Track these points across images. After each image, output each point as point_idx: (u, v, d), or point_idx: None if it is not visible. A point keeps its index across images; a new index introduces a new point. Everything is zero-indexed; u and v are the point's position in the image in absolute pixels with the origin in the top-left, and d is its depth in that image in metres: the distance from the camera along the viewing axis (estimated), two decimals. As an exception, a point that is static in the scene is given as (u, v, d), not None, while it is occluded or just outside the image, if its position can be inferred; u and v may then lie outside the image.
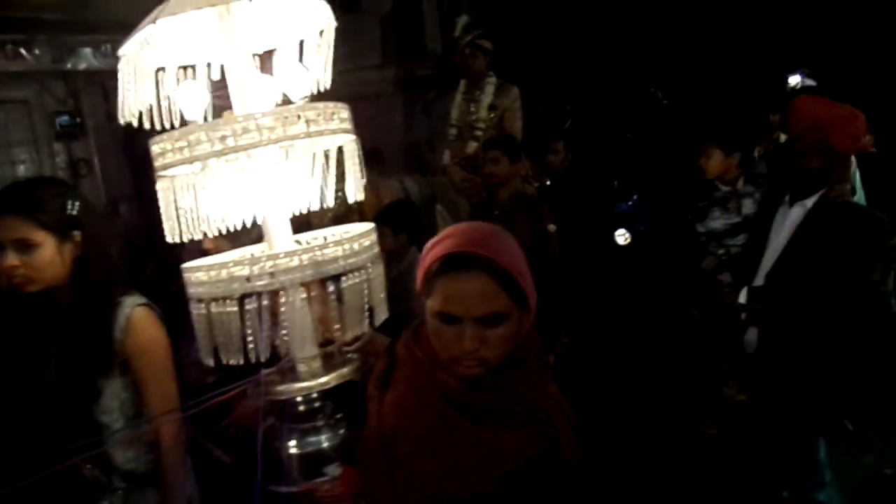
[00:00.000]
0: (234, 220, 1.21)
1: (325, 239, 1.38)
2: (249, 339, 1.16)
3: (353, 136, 1.32)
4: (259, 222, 1.26)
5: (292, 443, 1.24)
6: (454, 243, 1.06)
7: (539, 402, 1.07)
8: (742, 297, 2.44)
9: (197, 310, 1.20)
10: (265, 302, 1.15)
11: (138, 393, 1.58)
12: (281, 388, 1.25)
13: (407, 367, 1.17)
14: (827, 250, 2.25)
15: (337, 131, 1.27)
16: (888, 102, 4.52)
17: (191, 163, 1.19)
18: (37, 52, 4.18)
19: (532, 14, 6.53)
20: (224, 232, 1.21)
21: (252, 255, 1.27)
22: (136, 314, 1.57)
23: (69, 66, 4.37)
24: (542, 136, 4.58)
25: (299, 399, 1.26)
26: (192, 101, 1.34)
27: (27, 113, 4.53)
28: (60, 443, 1.45)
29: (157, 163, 1.23)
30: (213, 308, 1.17)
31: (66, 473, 1.34)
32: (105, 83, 4.48)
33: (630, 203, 4.85)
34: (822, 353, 2.32)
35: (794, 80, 5.58)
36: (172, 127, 1.29)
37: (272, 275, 1.14)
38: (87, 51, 4.30)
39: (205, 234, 1.20)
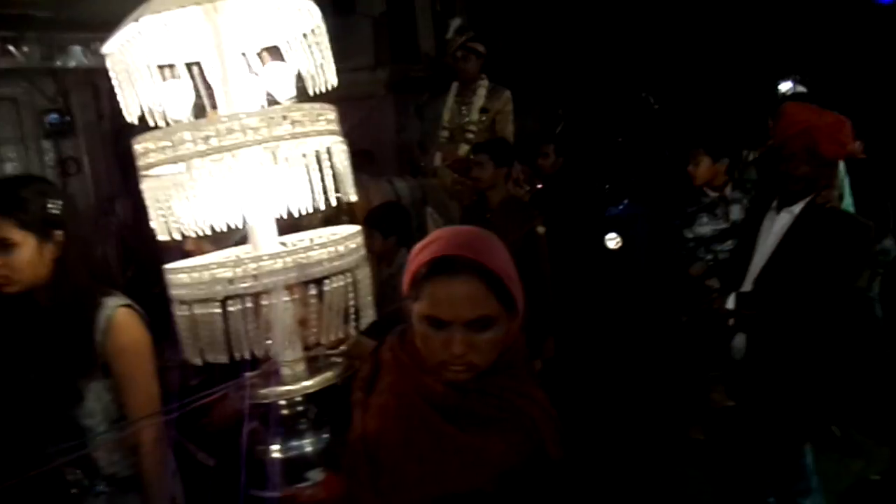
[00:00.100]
0: (219, 222, 1.20)
1: (312, 241, 1.37)
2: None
3: (340, 138, 1.31)
4: (244, 224, 1.25)
5: (275, 447, 1.22)
6: (442, 246, 1.05)
7: (525, 407, 1.06)
8: (730, 303, 2.45)
9: (180, 311, 1.19)
10: (248, 304, 1.14)
11: (120, 395, 1.56)
12: (264, 391, 1.23)
13: (392, 371, 1.16)
14: (814, 256, 2.26)
15: (323, 133, 1.25)
16: (878, 109, 4.56)
17: (174, 163, 1.18)
18: (26, 49, 4.14)
19: (525, 17, 6.54)
20: (209, 233, 1.20)
21: (236, 256, 1.25)
22: (118, 315, 1.55)
23: (59, 63, 4.33)
24: (533, 140, 4.59)
25: (282, 403, 1.24)
26: (177, 100, 1.32)
27: (16, 111, 4.50)
28: (43, 446, 1.43)
29: (141, 162, 1.21)
30: (196, 310, 1.16)
31: (48, 477, 1.32)
32: (95, 81, 4.45)
33: (621, 207, 4.86)
34: (810, 359, 2.33)
35: (786, 86, 5.61)
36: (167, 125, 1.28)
37: (255, 277, 1.12)
38: (78, 49, 4.26)
39: (185, 236, 1.18)
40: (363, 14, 5.92)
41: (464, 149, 4.09)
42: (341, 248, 1.20)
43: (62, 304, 1.51)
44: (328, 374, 1.26)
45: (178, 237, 1.18)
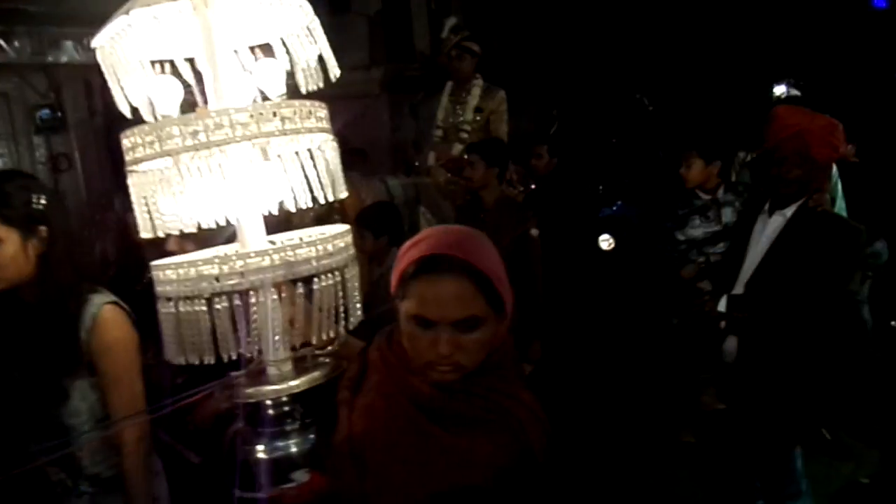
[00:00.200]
0: (206, 218, 1.19)
1: (301, 240, 1.36)
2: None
3: (330, 136, 1.29)
4: (232, 221, 1.24)
5: (260, 447, 1.21)
6: (431, 245, 1.04)
7: (512, 409, 1.05)
8: (721, 306, 2.45)
9: (164, 309, 1.17)
10: (236, 302, 1.12)
11: (104, 394, 1.54)
12: (250, 390, 1.22)
13: (379, 372, 1.15)
14: (805, 259, 2.27)
15: (314, 130, 1.24)
16: (872, 113, 4.57)
17: (162, 157, 1.17)
18: (17, 44, 4.12)
19: (521, 18, 6.54)
20: (195, 231, 1.19)
21: (223, 253, 1.24)
22: (104, 313, 1.53)
23: (50, 58, 4.30)
24: (528, 140, 4.59)
25: (269, 403, 1.23)
26: (166, 95, 1.31)
27: (6, 106, 4.46)
28: (26, 445, 1.41)
29: (129, 157, 1.20)
30: (182, 307, 1.15)
31: (31, 476, 1.30)
32: (87, 77, 4.42)
33: (614, 208, 4.86)
34: (801, 362, 2.33)
35: (779, 89, 5.63)
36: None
37: (242, 274, 1.11)
38: (69, 44, 4.23)
39: (169, 235, 1.17)
40: (358, 13, 5.91)
41: (457, 148, 4.08)
42: (329, 247, 1.19)
43: (47, 301, 1.49)
44: (315, 375, 1.25)
45: (161, 234, 1.17)
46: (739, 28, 6.53)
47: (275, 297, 1.15)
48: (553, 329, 3.38)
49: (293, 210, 1.28)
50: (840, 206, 3.62)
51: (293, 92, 1.34)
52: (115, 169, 4.56)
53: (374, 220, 3.05)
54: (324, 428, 1.21)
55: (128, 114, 1.24)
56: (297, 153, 1.26)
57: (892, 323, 4.07)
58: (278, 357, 1.26)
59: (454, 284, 1.02)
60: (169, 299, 1.17)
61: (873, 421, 3.40)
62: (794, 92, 5.36)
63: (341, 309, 1.21)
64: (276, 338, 1.20)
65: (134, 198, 1.22)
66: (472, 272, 1.02)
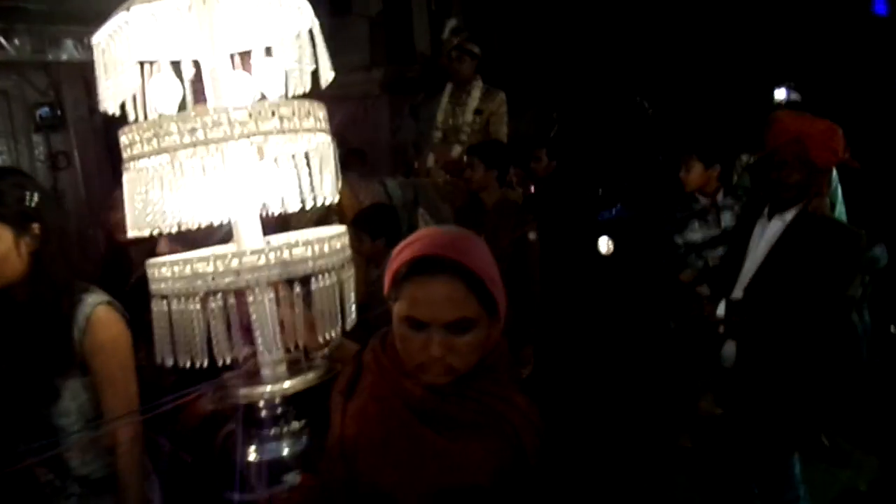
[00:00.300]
0: (203, 217, 1.18)
1: (298, 240, 1.35)
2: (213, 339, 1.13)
3: (328, 137, 1.29)
4: (227, 220, 1.23)
5: (252, 449, 1.20)
6: (423, 246, 1.04)
7: (505, 413, 1.04)
8: (720, 310, 2.44)
9: (157, 307, 1.16)
10: (230, 301, 1.12)
11: (98, 395, 1.53)
12: (244, 391, 1.21)
13: (373, 374, 1.14)
14: (805, 264, 2.26)
15: (312, 130, 1.24)
16: (872, 117, 4.57)
17: (159, 154, 1.16)
18: (17, 42, 4.11)
19: (521, 20, 6.54)
20: (189, 229, 1.18)
21: (219, 251, 1.23)
22: (97, 312, 1.51)
23: (51, 57, 4.30)
24: (527, 143, 4.58)
25: (261, 404, 1.22)
26: (165, 94, 1.30)
27: (6, 103, 4.47)
28: (15, 445, 1.39)
29: (126, 154, 1.20)
30: (175, 306, 1.14)
31: (19, 477, 1.29)
32: (87, 76, 4.41)
33: (613, 211, 4.85)
34: (799, 368, 2.32)
35: (780, 94, 5.63)
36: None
37: (237, 273, 1.10)
38: (70, 42, 4.23)
39: (160, 236, 1.16)
40: (359, 14, 5.92)
41: (457, 150, 4.08)
42: (326, 248, 1.19)
43: (39, 299, 1.48)
44: (309, 376, 1.24)
45: (154, 233, 1.16)
46: (740, 32, 6.53)
47: (270, 296, 1.14)
48: (550, 332, 3.37)
49: (290, 211, 1.27)
50: (840, 211, 3.61)
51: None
52: (114, 167, 4.55)
53: (371, 222, 3.04)
54: (317, 430, 1.20)
55: (115, 112, 1.23)
56: (289, 154, 1.25)
57: (893, 328, 4.06)
58: (272, 358, 1.26)
59: (446, 286, 1.01)
60: (163, 297, 1.16)
61: (872, 427, 3.39)
62: (795, 96, 5.35)
63: (337, 310, 1.21)
64: (270, 338, 1.20)
65: (127, 195, 1.22)
66: (465, 273, 1.01)
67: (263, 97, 1.32)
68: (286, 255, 1.12)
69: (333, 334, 1.23)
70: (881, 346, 3.98)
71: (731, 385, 2.50)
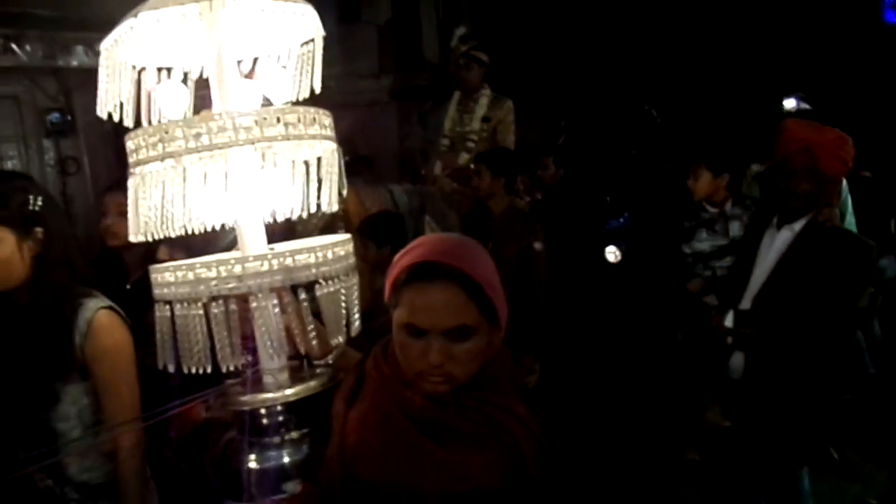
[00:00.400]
0: (207, 222, 1.18)
1: (302, 248, 1.34)
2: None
3: (334, 144, 1.29)
4: (232, 225, 1.23)
5: (252, 456, 1.19)
6: (423, 252, 1.03)
7: (506, 423, 1.03)
8: (728, 321, 2.42)
9: (160, 312, 1.16)
10: (232, 307, 1.11)
11: (98, 399, 1.53)
12: (245, 398, 1.20)
13: (374, 383, 1.13)
14: (815, 275, 2.23)
15: (317, 137, 1.23)
16: (883, 127, 4.55)
17: (164, 159, 1.16)
18: (28, 47, 4.14)
19: (530, 28, 6.55)
20: (198, 233, 1.18)
21: (222, 257, 1.23)
22: (99, 317, 1.51)
23: (61, 62, 4.32)
24: (535, 151, 4.58)
25: (262, 411, 1.21)
26: (172, 100, 1.31)
27: (17, 109, 4.49)
28: (13, 450, 1.39)
29: (132, 159, 1.20)
30: (178, 311, 1.13)
31: (17, 482, 1.28)
32: (98, 82, 4.44)
33: (621, 220, 4.83)
34: (809, 380, 2.30)
35: (790, 103, 5.61)
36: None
37: (240, 278, 1.10)
38: (80, 48, 4.25)
39: (160, 241, 1.16)
40: (368, 22, 5.93)
41: (464, 158, 4.08)
42: (329, 254, 1.18)
43: (41, 303, 1.48)
44: (311, 384, 1.24)
45: (161, 237, 1.16)
46: (750, 41, 6.52)
47: (273, 302, 1.13)
48: (557, 341, 3.35)
49: (295, 217, 1.27)
50: (850, 222, 3.58)
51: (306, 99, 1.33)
52: (122, 173, 4.56)
53: (377, 230, 3.03)
54: (318, 439, 1.19)
55: (106, 115, 1.23)
56: (304, 162, 1.25)
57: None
58: (275, 365, 1.25)
59: (445, 292, 1.00)
60: (166, 303, 1.16)
61: (883, 440, 3.35)
62: (805, 105, 5.34)
63: (341, 318, 1.20)
64: (273, 345, 1.19)
65: (132, 200, 1.22)
66: (464, 280, 1.00)
67: (269, 103, 1.32)
68: (289, 261, 1.12)
69: (339, 341, 1.23)
70: (891, 358, 3.94)
71: (739, 397, 2.47)
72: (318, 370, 1.31)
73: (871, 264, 2.43)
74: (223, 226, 1.20)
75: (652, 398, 3.77)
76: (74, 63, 4.33)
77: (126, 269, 2.11)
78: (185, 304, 1.13)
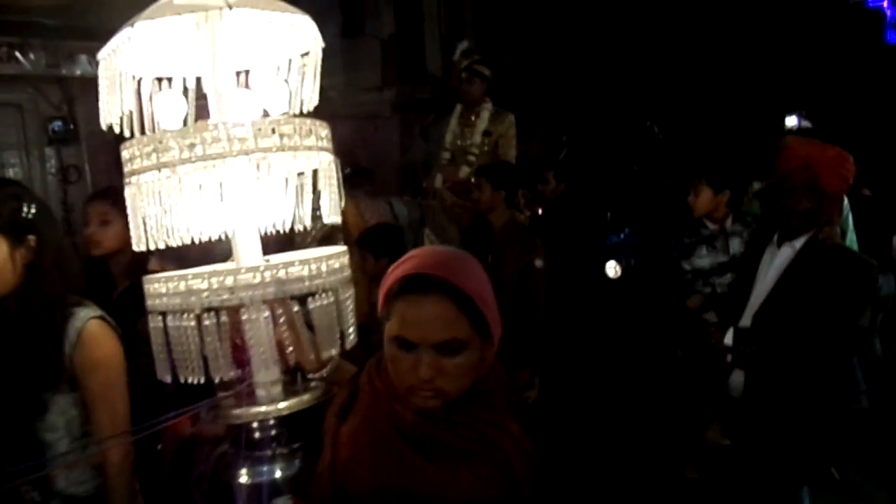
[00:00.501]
0: (202, 233, 1.17)
1: (296, 260, 1.33)
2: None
3: (331, 156, 1.28)
4: (226, 237, 1.22)
5: (243, 471, 1.17)
6: (415, 265, 1.02)
7: (498, 440, 1.01)
8: (728, 338, 2.40)
9: (153, 323, 1.15)
10: (223, 318, 1.10)
11: (87, 411, 1.51)
12: (237, 412, 1.19)
13: (367, 397, 1.11)
14: (815, 294, 2.22)
15: (313, 148, 1.23)
16: (884, 146, 4.55)
17: (159, 169, 1.16)
18: (32, 56, 4.16)
19: (533, 43, 6.59)
20: (194, 243, 1.17)
21: (214, 268, 1.22)
22: (89, 327, 1.49)
23: (65, 71, 4.34)
24: (536, 165, 4.58)
25: (255, 425, 1.20)
26: (170, 110, 1.30)
27: (20, 117, 4.51)
28: (0, 459, 1.37)
29: (127, 168, 1.20)
30: (171, 322, 1.12)
31: (2, 495, 1.26)
32: (101, 91, 4.46)
33: (622, 236, 4.82)
34: (809, 399, 2.28)
35: (791, 121, 5.62)
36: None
37: (232, 290, 1.09)
38: (84, 57, 4.28)
39: (150, 254, 1.15)
40: (371, 35, 5.96)
41: (465, 171, 4.08)
42: (323, 267, 1.17)
43: (31, 312, 1.46)
44: (304, 398, 1.22)
45: (157, 247, 1.15)
46: (752, 59, 6.55)
47: (265, 315, 1.12)
48: (556, 356, 3.33)
49: (288, 229, 1.26)
50: (851, 240, 3.57)
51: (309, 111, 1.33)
52: (123, 182, 4.57)
53: (375, 242, 3.02)
54: (310, 453, 1.17)
55: (106, 126, 1.22)
56: (290, 173, 1.24)
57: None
58: (268, 378, 1.23)
59: (436, 305, 0.99)
60: (159, 314, 1.15)
61: (883, 460, 3.31)
62: (806, 123, 5.35)
63: (335, 331, 1.19)
64: (266, 358, 1.18)
65: (129, 210, 1.21)
66: (456, 294, 0.99)
67: (267, 115, 1.32)
68: (282, 273, 1.11)
69: (333, 354, 1.21)
70: (892, 377, 3.91)
71: (739, 415, 2.45)
72: (312, 384, 1.30)
73: (872, 283, 2.41)
74: (218, 237, 1.19)
75: (651, 415, 3.74)
76: (78, 72, 4.35)
77: (113, 279, 2.09)
78: (178, 316, 1.12)
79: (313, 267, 1.15)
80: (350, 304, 1.27)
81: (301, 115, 1.30)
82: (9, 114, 4.46)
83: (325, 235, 2.87)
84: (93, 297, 1.58)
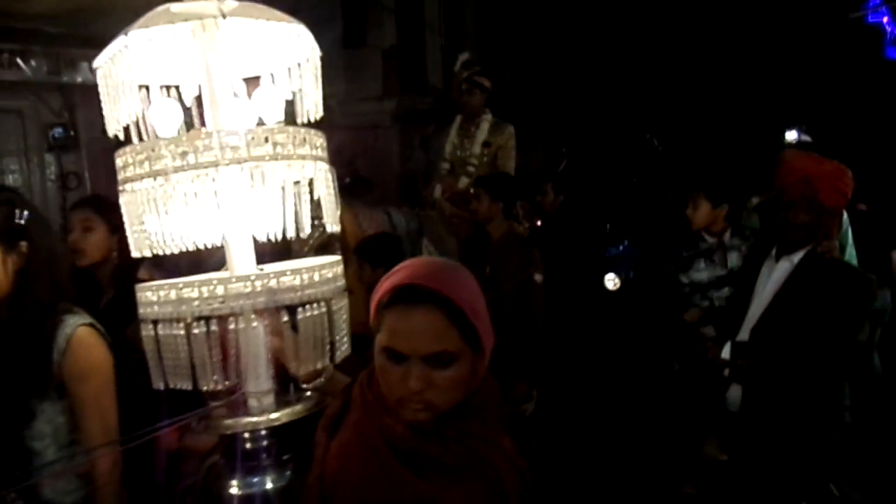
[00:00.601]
0: (195, 241, 1.17)
1: (288, 269, 1.32)
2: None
3: (326, 165, 1.27)
4: (219, 245, 1.22)
5: (234, 482, 1.16)
6: (406, 275, 1.01)
7: (488, 455, 1.00)
8: (725, 352, 2.39)
9: (145, 331, 1.14)
10: (213, 328, 1.09)
11: (75, 419, 1.49)
12: (228, 422, 1.17)
13: (358, 410, 1.10)
14: (814, 308, 2.21)
15: (307, 157, 1.22)
16: (884, 160, 4.55)
17: (152, 177, 1.15)
18: (34, 63, 4.19)
19: (534, 55, 6.61)
20: (188, 251, 1.17)
21: (205, 277, 1.21)
22: (78, 334, 1.48)
23: (66, 78, 4.37)
24: (536, 177, 4.58)
25: (246, 436, 1.18)
26: (165, 118, 1.30)
27: (21, 123, 4.53)
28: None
29: (120, 176, 1.20)
30: (161, 330, 1.11)
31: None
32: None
33: (621, 248, 4.82)
34: (807, 414, 2.26)
35: (791, 135, 5.63)
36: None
37: (223, 299, 1.08)
38: (85, 65, 4.30)
39: (139, 263, 1.15)
40: (373, 46, 5.99)
41: (464, 182, 4.08)
42: (316, 277, 1.16)
43: (21, 318, 1.45)
44: (297, 408, 1.21)
45: (152, 254, 1.14)
46: (753, 73, 6.57)
47: (255, 324, 1.11)
48: (554, 369, 3.32)
49: (281, 238, 1.25)
50: (850, 255, 3.56)
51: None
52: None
53: (372, 251, 3.02)
54: (301, 465, 1.16)
55: (112, 135, 1.22)
56: (285, 181, 1.24)
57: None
58: (259, 388, 1.22)
59: (426, 316, 0.98)
60: (151, 322, 1.14)
61: (883, 476, 3.29)
62: (806, 138, 5.35)
63: (324, 341, 1.18)
64: (258, 368, 1.17)
65: (125, 217, 1.21)
66: (447, 305, 0.98)
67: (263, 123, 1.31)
68: (273, 282, 1.10)
69: (319, 365, 1.20)
70: (892, 392, 3.89)
71: (737, 430, 2.44)
72: (305, 394, 1.29)
73: (871, 297, 2.41)
74: (210, 246, 1.18)
75: (649, 430, 3.72)
76: (79, 79, 4.37)
77: (100, 288, 2.07)
78: (169, 324, 1.11)
79: (305, 277, 1.14)
80: (343, 315, 1.26)
81: (308, 124, 1.29)
82: (10, 120, 4.47)
83: (323, 244, 2.86)
84: (79, 305, 1.57)
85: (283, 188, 1.26)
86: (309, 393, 1.29)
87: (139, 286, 1.18)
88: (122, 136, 1.24)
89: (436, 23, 6.44)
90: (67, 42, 4.19)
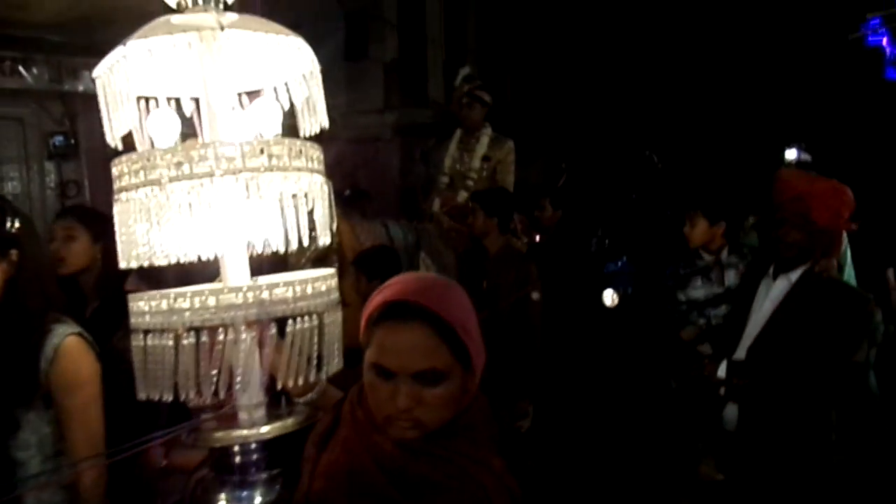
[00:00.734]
0: (189, 252, 1.16)
1: (281, 282, 1.32)
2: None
3: (322, 178, 1.27)
4: (213, 257, 1.21)
5: (222, 496, 1.14)
6: (396, 291, 1.00)
7: (478, 475, 0.98)
8: (722, 371, 2.38)
9: (136, 341, 1.13)
10: (204, 339, 1.08)
11: (61, 429, 1.48)
12: (218, 435, 1.16)
13: (347, 427, 1.09)
14: (811, 327, 2.21)
15: (303, 170, 1.22)
16: (883, 179, 4.56)
17: (146, 187, 1.15)
18: (35, 71, 4.19)
19: (535, 71, 6.65)
20: (181, 261, 1.16)
21: (197, 288, 1.20)
22: (67, 344, 1.47)
23: (67, 87, 4.37)
24: (535, 192, 4.59)
25: (235, 449, 1.17)
26: (162, 128, 1.30)
27: (22, 131, 4.53)
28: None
29: (115, 185, 1.19)
30: (150, 341, 1.11)
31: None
32: (102, 107, 4.48)
33: (619, 264, 4.81)
34: (804, 433, 2.24)
35: (791, 154, 5.64)
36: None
37: (214, 310, 1.07)
38: (86, 73, 4.30)
39: (127, 275, 1.14)
40: (374, 59, 6.02)
41: (463, 196, 4.09)
42: (308, 289, 1.15)
43: (10, 326, 1.44)
44: (288, 422, 1.19)
45: (144, 265, 1.14)
46: (754, 93, 6.61)
47: (245, 336, 1.10)
48: (551, 385, 3.30)
49: (281, 250, 1.25)
50: (849, 275, 3.55)
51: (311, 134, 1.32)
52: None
53: (369, 263, 3.01)
54: (290, 480, 1.14)
55: (114, 145, 1.22)
56: (281, 193, 1.23)
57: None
58: (250, 401, 1.21)
59: (416, 333, 0.97)
60: (141, 332, 1.13)
61: (882, 495, 3.26)
62: (806, 157, 5.36)
63: (314, 355, 1.17)
64: (249, 380, 1.16)
65: (117, 227, 1.21)
66: (437, 322, 0.97)
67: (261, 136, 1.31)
68: (265, 294, 1.09)
69: (321, 379, 1.19)
70: (890, 412, 3.86)
71: (733, 450, 2.42)
72: (297, 408, 1.27)
73: (869, 317, 2.40)
74: (201, 258, 1.17)
75: (645, 449, 3.69)
76: (80, 88, 4.38)
77: (84, 297, 2.06)
78: (159, 334, 1.11)
79: (298, 289, 1.13)
80: (336, 329, 1.25)
81: (314, 136, 1.29)
82: (10, 128, 4.47)
83: (319, 257, 2.86)
84: (65, 315, 1.56)
85: (280, 200, 1.25)
86: (301, 407, 1.28)
87: (131, 296, 1.17)
88: (120, 146, 1.24)
89: (438, 37, 6.48)
90: (69, 51, 4.20)
